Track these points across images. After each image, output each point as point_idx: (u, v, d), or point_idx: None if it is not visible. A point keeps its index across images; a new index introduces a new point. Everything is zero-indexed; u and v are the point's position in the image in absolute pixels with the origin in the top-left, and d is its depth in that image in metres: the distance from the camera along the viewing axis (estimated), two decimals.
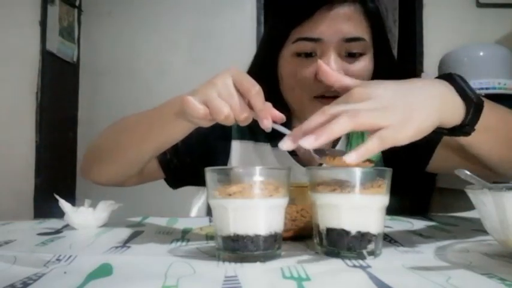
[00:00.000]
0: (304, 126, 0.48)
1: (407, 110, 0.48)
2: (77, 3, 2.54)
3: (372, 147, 0.46)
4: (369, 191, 0.49)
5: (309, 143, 0.46)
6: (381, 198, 0.50)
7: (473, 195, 0.48)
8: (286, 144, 0.48)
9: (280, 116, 0.56)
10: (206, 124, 0.58)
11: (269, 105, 0.56)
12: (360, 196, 0.49)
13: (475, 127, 0.54)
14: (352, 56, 0.77)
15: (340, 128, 0.46)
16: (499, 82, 1.89)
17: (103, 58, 2.59)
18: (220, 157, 0.89)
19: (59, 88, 2.36)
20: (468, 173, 0.52)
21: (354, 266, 0.45)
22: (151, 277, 0.41)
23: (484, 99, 0.54)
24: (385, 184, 0.50)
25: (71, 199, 0.72)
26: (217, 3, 2.57)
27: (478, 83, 1.90)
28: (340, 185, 0.49)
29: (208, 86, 0.55)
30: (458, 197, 0.83)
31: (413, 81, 0.54)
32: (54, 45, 2.27)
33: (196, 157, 0.85)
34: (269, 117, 0.55)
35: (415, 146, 0.54)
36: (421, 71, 2.36)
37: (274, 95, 0.82)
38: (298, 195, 0.56)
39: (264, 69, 0.83)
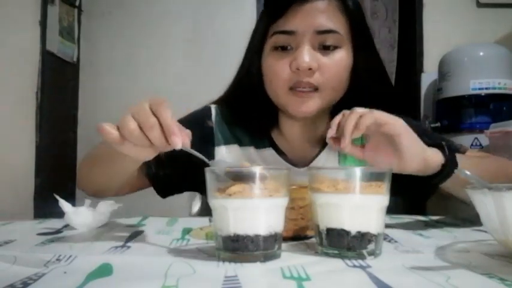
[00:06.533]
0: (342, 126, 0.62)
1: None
2: (77, 3, 2.54)
3: (397, 122, 0.62)
4: (369, 191, 0.49)
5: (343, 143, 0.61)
6: (381, 198, 0.50)
7: (473, 195, 0.48)
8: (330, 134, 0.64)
9: (185, 141, 0.55)
10: (127, 148, 0.56)
11: (179, 126, 0.55)
12: (360, 196, 0.49)
13: (457, 161, 0.66)
14: (326, 49, 0.79)
15: (367, 121, 0.60)
16: (499, 82, 1.89)
17: (103, 58, 2.58)
18: (205, 163, 0.89)
19: (59, 88, 2.36)
20: (468, 173, 0.52)
21: (354, 266, 0.45)
22: (151, 277, 0.41)
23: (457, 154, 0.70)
24: (385, 184, 0.50)
25: (71, 199, 0.72)
26: (218, 3, 2.57)
27: (478, 83, 1.90)
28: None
29: (126, 112, 0.55)
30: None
31: None
32: (54, 45, 2.27)
33: (181, 167, 0.86)
34: (177, 133, 0.53)
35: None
36: (421, 71, 2.36)
37: (261, 93, 0.83)
38: (298, 195, 0.56)
39: (251, 67, 0.86)
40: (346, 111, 0.64)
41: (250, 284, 0.39)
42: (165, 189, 0.91)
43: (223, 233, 0.48)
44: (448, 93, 2.01)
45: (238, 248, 0.47)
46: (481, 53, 1.96)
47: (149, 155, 0.60)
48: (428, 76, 2.32)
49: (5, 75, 1.93)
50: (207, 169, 0.50)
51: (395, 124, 0.62)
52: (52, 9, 2.25)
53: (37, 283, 0.39)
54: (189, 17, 2.57)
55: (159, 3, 2.58)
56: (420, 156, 0.64)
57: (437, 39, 2.33)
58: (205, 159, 0.58)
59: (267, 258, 0.47)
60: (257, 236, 0.47)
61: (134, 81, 2.51)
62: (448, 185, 0.68)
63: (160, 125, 0.53)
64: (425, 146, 0.65)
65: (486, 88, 1.89)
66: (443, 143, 0.68)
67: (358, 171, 0.49)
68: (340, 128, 0.63)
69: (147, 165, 0.85)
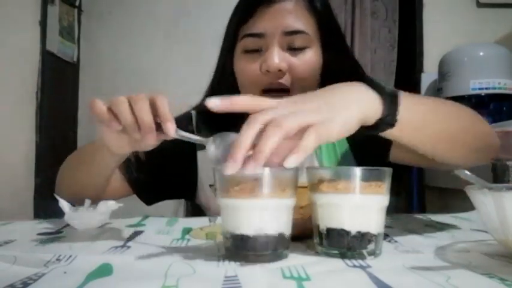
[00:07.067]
0: (241, 145, 0.45)
1: (331, 109, 0.49)
2: (77, 3, 2.54)
3: (308, 142, 0.45)
4: (369, 191, 0.49)
5: (251, 170, 0.44)
6: (380, 198, 0.50)
7: (473, 195, 0.48)
8: (229, 170, 0.44)
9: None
10: (108, 132, 0.58)
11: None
12: (360, 196, 0.49)
13: (397, 117, 0.54)
14: (295, 49, 0.79)
15: (271, 141, 0.44)
16: (499, 82, 1.89)
17: (103, 58, 2.58)
18: (188, 169, 0.90)
19: (59, 88, 2.36)
20: (468, 173, 0.52)
21: (354, 266, 0.45)
22: (151, 277, 0.41)
23: (404, 93, 0.56)
24: (385, 184, 0.50)
25: None
26: (218, 4, 2.57)
27: (478, 83, 1.90)
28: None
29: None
30: (458, 197, 0.84)
31: (333, 86, 0.54)
32: (54, 45, 2.26)
33: (163, 171, 0.86)
34: (172, 121, 0.54)
35: (376, 142, 0.65)
36: (421, 71, 2.36)
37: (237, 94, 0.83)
38: (298, 195, 0.56)
39: (224, 71, 0.86)
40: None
41: (250, 284, 0.39)
42: (148, 195, 0.91)
43: (231, 233, 0.48)
44: (448, 93, 2.01)
45: (246, 247, 0.47)
46: (481, 53, 1.96)
47: (126, 147, 0.60)
48: (428, 76, 2.32)
49: (5, 75, 1.93)
50: (215, 168, 0.50)
51: (326, 122, 0.48)
52: (52, 9, 2.25)
53: (37, 283, 0.39)
54: (190, 17, 2.57)
55: (159, 4, 2.58)
56: (354, 120, 0.51)
57: (437, 39, 2.33)
58: (203, 140, 0.56)
59: (274, 258, 0.47)
60: (265, 236, 0.47)
61: (134, 81, 2.51)
62: (405, 140, 0.59)
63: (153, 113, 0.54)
64: (354, 105, 0.51)
65: (486, 88, 1.89)
66: (388, 89, 0.55)
67: (358, 171, 0.49)
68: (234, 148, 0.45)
69: (127, 169, 0.86)
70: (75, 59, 2.52)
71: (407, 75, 2.48)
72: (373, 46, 2.52)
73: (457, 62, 2.00)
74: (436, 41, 2.33)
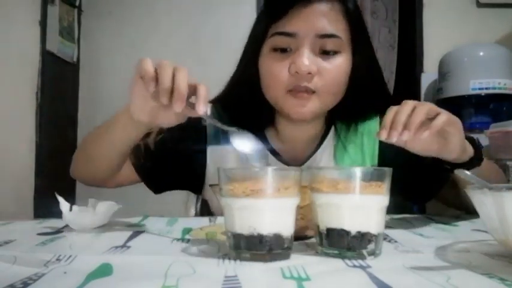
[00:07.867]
0: (396, 120, 0.59)
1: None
2: (77, 3, 2.54)
3: (439, 121, 0.60)
4: (369, 191, 0.49)
5: (406, 136, 0.59)
6: (381, 198, 0.50)
7: (473, 195, 0.48)
8: (383, 135, 0.59)
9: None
10: (144, 93, 0.61)
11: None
12: (360, 196, 0.49)
13: (483, 157, 0.71)
14: (326, 54, 0.77)
15: (420, 115, 0.59)
16: (499, 82, 1.89)
17: (103, 58, 2.58)
18: (197, 162, 0.89)
19: (59, 88, 2.36)
20: (468, 173, 0.52)
21: (354, 266, 0.45)
22: (151, 277, 0.41)
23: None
24: (385, 184, 0.50)
25: (71, 199, 0.72)
26: (218, 3, 2.57)
27: (478, 83, 1.90)
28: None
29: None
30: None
31: None
32: (54, 45, 2.27)
33: (172, 161, 0.86)
34: (206, 104, 0.60)
35: (429, 175, 0.80)
36: (421, 71, 2.36)
37: (258, 93, 0.83)
38: None
39: (248, 67, 0.85)
40: (395, 107, 0.61)
41: (250, 284, 0.39)
42: (156, 183, 0.90)
43: (234, 232, 0.48)
44: (448, 93, 2.01)
45: (249, 247, 0.47)
46: (481, 53, 1.96)
47: (147, 113, 0.65)
48: (428, 76, 2.32)
49: (5, 75, 1.93)
50: (218, 168, 0.50)
51: (456, 122, 0.64)
52: (52, 9, 2.25)
53: (37, 283, 0.39)
54: (189, 16, 2.57)
55: (159, 3, 2.59)
56: (461, 147, 0.66)
57: (437, 39, 2.33)
58: (227, 127, 0.62)
59: (278, 258, 0.47)
60: (268, 235, 0.47)
61: None
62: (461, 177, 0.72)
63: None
64: (463, 136, 0.67)
65: (486, 88, 1.89)
66: (475, 137, 0.74)
67: (358, 171, 0.49)
68: (395, 122, 0.60)
69: (136, 157, 0.86)
70: (75, 59, 2.52)
71: (407, 75, 2.49)
72: (373, 46, 2.52)
73: (457, 62, 2.00)
74: (436, 41, 2.33)
